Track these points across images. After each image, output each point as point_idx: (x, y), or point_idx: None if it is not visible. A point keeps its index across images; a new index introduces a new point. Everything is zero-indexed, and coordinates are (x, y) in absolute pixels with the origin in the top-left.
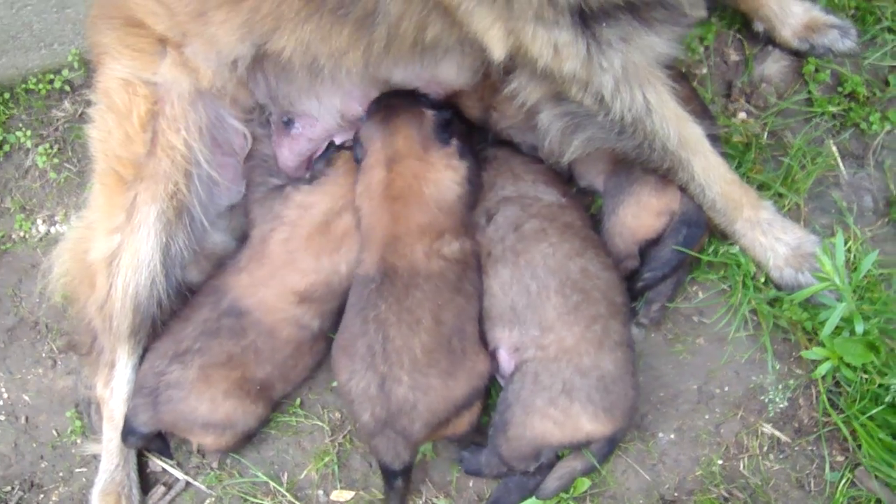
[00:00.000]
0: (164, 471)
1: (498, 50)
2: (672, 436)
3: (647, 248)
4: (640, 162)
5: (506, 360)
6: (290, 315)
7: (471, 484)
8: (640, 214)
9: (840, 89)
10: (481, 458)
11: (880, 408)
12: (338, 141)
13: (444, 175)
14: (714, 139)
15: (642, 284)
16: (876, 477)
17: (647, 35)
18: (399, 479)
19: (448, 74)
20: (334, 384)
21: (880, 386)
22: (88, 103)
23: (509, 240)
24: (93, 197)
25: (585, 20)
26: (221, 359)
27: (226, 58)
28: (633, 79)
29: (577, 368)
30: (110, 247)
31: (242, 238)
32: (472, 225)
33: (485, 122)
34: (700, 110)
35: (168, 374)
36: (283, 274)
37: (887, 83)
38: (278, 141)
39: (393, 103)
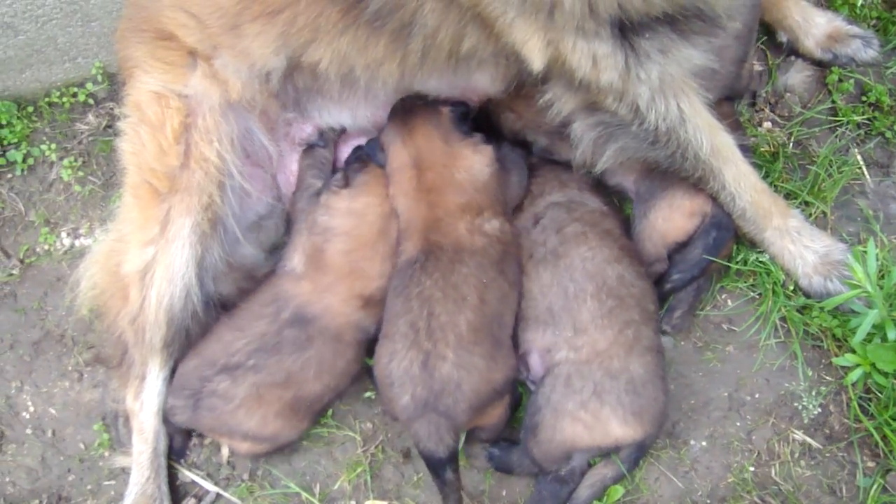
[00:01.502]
0: (195, 483)
1: (537, 61)
2: (704, 443)
3: (676, 251)
4: (671, 171)
5: (537, 364)
6: (354, 319)
7: (504, 493)
8: (671, 217)
9: (864, 98)
10: (512, 457)
11: None
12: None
13: (474, 159)
14: (745, 149)
15: (670, 286)
16: None
17: (685, 47)
18: (447, 469)
19: (482, 85)
20: (366, 394)
21: None
22: (112, 116)
23: (551, 242)
24: (124, 210)
25: (625, 32)
26: (278, 378)
27: (259, 70)
28: (669, 89)
29: (607, 371)
30: (144, 259)
31: (272, 250)
32: (509, 210)
33: (499, 121)
34: (735, 124)
35: (214, 383)
36: (349, 281)
37: None
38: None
39: (409, 105)
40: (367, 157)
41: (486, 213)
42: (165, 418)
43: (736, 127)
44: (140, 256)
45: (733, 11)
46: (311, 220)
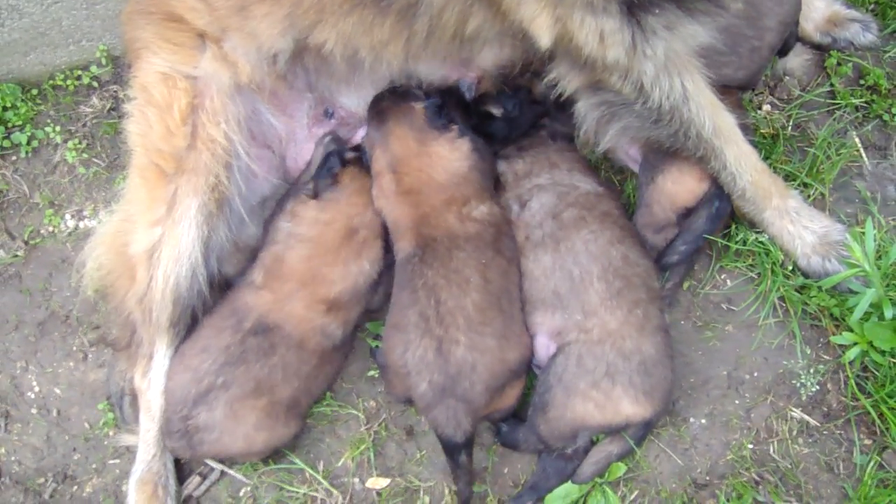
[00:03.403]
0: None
1: (545, 38)
2: (703, 421)
3: (684, 217)
4: (673, 150)
5: (543, 347)
6: (318, 324)
7: (506, 470)
8: (681, 180)
9: (862, 82)
10: (519, 434)
11: None
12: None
13: (451, 157)
14: (744, 128)
15: (677, 258)
16: None
17: (690, 24)
18: (463, 453)
19: (485, 66)
20: (369, 373)
21: None
22: (116, 99)
23: (548, 226)
24: (131, 190)
25: (632, 9)
26: (248, 388)
27: (266, 52)
28: (673, 67)
29: (619, 352)
30: (151, 239)
31: None
32: (493, 192)
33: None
34: (736, 102)
35: (194, 418)
36: (311, 287)
37: None
38: (313, 132)
39: (382, 106)
40: (343, 169)
41: (473, 201)
42: None
43: (737, 106)
44: (147, 237)
45: None
46: (273, 227)
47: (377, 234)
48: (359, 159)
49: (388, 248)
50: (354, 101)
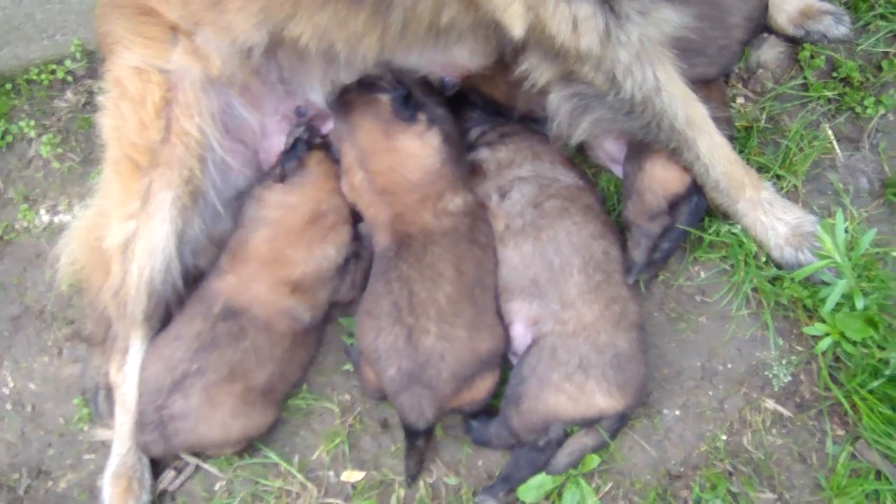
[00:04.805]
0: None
1: (517, 27)
2: (677, 412)
3: (674, 205)
4: (645, 142)
5: (520, 336)
6: (284, 307)
7: (480, 463)
8: (669, 166)
9: (835, 74)
10: (490, 430)
11: (880, 381)
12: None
13: (422, 153)
14: (727, 123)
15: (660, 255)
16: (876, 449)
17: (664, 8)
18: (421, 438)
19: (461, 59)
20: (344, 367)
21: (880, 360)
22: (91, 93)
23: (528, 215)
24: (105, 184)
25: None
26: (223, 373)
27: (240, 46)
28: (645, 56)
29: (593, 345)
30: (126, 233)
31: None
32: (466, 178)
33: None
34: (721, 98)
35: (169, 407)
36: (273, 268)
37: (880, 68)
38: (284, 127)
39: (348, 99)
40: (310, 152)
41: (448, 195)
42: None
43: (721, 102)
44: (121, 230)
45: None
46: (241, 213)
47: (345, 218)
48: (325, 145)
49: (356, 234)
50: (331, 96)
